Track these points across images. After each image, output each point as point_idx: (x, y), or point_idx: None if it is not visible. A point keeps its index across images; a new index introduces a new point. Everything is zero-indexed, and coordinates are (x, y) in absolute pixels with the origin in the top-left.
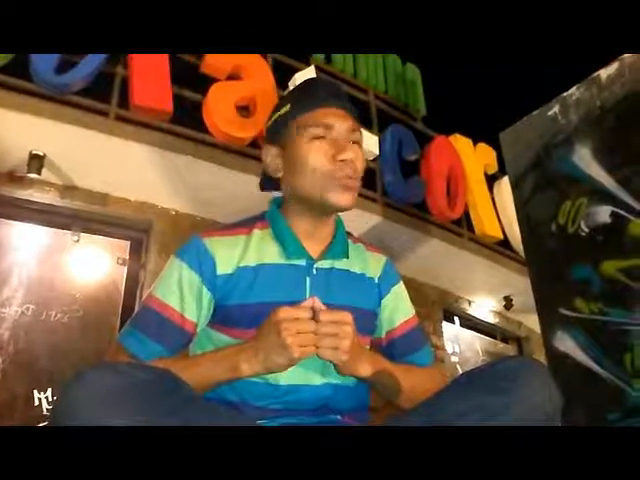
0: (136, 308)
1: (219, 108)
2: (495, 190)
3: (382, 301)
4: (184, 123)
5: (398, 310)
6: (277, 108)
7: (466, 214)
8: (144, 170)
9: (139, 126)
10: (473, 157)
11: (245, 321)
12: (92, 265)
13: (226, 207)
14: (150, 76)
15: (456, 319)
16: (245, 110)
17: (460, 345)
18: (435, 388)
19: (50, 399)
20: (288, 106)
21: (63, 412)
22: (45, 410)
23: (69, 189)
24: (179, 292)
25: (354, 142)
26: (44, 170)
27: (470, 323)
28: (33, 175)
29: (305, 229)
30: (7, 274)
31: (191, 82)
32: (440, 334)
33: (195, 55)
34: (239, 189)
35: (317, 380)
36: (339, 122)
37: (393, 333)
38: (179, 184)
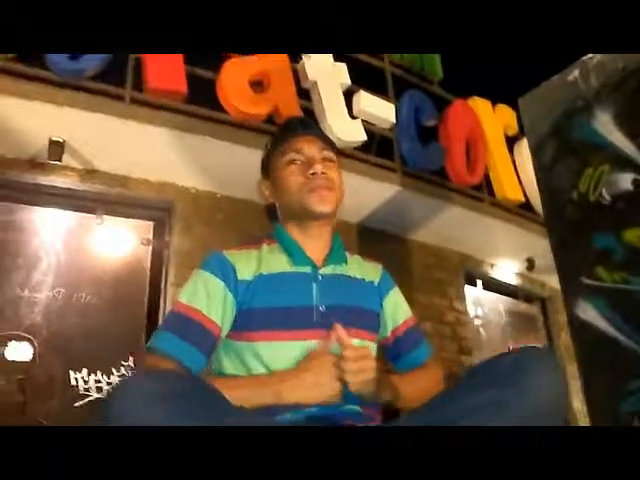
0: (162, 286)
1: (233, 85)
2: (515, 152)
3: (383, 302)
4: (199, 102)
5: (399, 310)
6: (264, 150)
7: (486, 178)
8: (162, 151)
9: (154, 108)
10: (492, 119)
11: (260, 324)
12: (117, 246)
13: (244, 184)
14: (163, 57)
15: (479, 282)
16: (259, 85)
17: (483, 308)
18: (438, 385)
19: (86, 378)
20: (270, 144)
21: (109, 420)
22: (82, 389)
23: (90, 173)
24: (205, 297)
25: (326, 159)
26: (65, 155)
27: (493, 286)
28: (54, 161)
29: (305, 241)
30: (35, 259)
31: (204, 60)
32: (463, 298)
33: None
34: (256, 165)
35: None
36: (307, 145)
37: (397, 331)
38: (197, 163)
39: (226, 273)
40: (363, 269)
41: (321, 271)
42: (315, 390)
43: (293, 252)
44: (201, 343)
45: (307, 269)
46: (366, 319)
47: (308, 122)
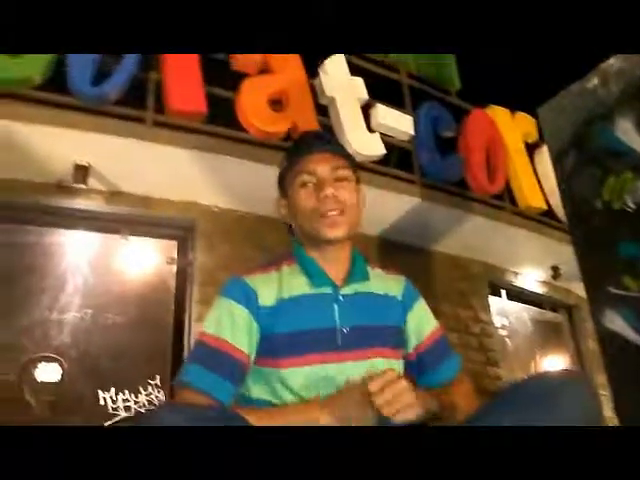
0: (187, 304)
1: (252, 104)
2: (536, 159)
3: (407, 317)
4: (219, 122)
5: (423, 324)
6: (280, 165)
7: (507, 186)
8: (184, 171)
9: (175, 129)
10: (512, 128)
11: (284, 350)
12: (142, 266)
13: (265, 201)
14: (183, 78)
15: (503, 292)
16: (278, 104)
17: (508, 318)
18: (471, 402)
19: (114, 398)
20: (285, 162)
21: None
22: (110, 409)
23: (114, 195)
24: (230, 326)
25: (340, 179)
26: (89, 179)
27: (518, 295)
28: (79, 185)
29: (324, 261)
30: (63, 281)
31: (222, 79)
32: (487, 309)
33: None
34: (275, 182)
35: None
36: (320, 166)
37: (420, 347)
38: (218, 182)
39: (248, 299)
40: (386, 283)
41: (342, 291)
42: (353, 418)
43: (313, 273)
44: (231, 374)
45: (328, 290)
46: (390, 336)
47: (323, 137)
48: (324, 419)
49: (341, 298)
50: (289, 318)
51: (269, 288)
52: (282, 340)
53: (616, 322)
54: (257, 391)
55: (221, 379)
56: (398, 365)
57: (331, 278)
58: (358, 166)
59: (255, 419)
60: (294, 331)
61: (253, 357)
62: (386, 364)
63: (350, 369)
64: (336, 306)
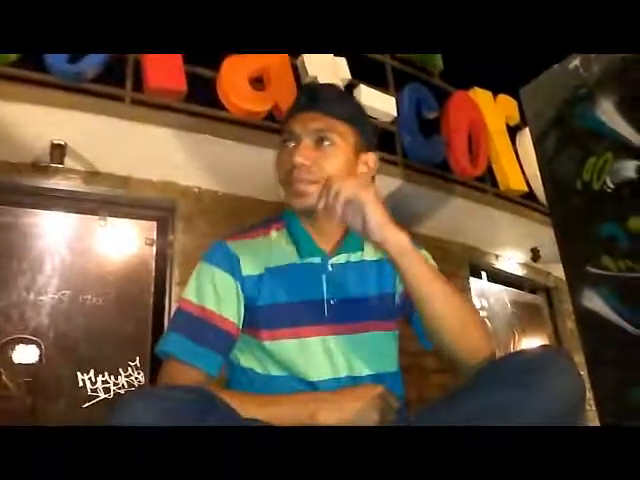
0: (167, 286)
1: (233, 83)
2: (518, 141)
3: (398, 277)
4: (199, 101)
5: None
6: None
7: (489, 169)
8: (163, 151)
9: (155, 108)
10: (494, 110)
11: (269, 322)
12: (122, 247)
13: (246, 181)
14: (161, 57)
15: (483, 274)
16: (259, 83)
17: (488, 300)
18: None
19: (93, 379)
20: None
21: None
22: (90, 390)
23: (92, 175)
24: (214, 294)
25: (322, 140)
26: (66, 158)
27: (498, 277)
28: (56, 164)
29: (314, 229)
30: (40, 262)
31: (203, 58)
32: (468, 290)
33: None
34: (258, 163)
35: (343, 373)
36: (300, 126)
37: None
38: (199, 162)
39: (232, 266)
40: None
41: (332, 261)
42: (354, 416)
43: (301, 242)
44: (219, 346)
45: (317, 259)
46: (383, 307)
47: (320, 93)
48: (323, 416)
49: (330, 268)
50: (274, 289)
51: (254, 256)
52: (266, 311)
53: (595, 301)
54: (244, 359)
55: (208, 351)
56: (392, 337)
57: (321, 247)
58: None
59: (241, 406)
60: (279, 303)
61: (241, 326)
62: (378, 337)
63: (338, 343)
64: (324, 277)
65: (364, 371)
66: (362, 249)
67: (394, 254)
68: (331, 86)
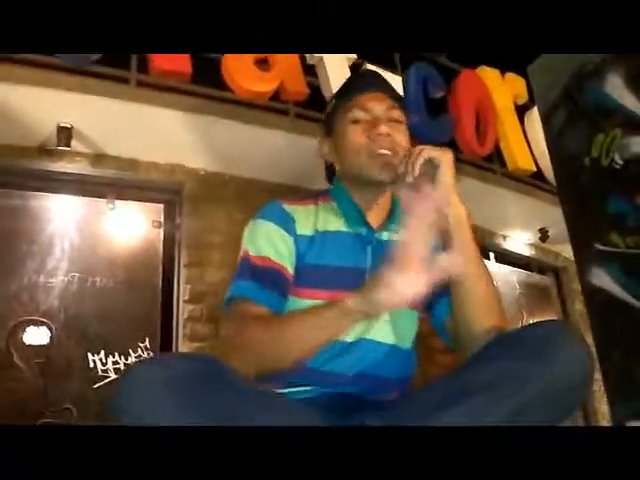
0: (175, 267)
1: (238, 63)
2: (526, 120)
3: None
4: (204, 82)
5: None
6: (327, 105)
7: (497, 148)
8: (169, 133)
9: (160, 90)
10: (502, 89)
11: (313, 281)
12: (129, 230)
13: (253, 162)
14: None
15: (491, 255)
16: (264, 63)
17: (496, 281)
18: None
19: (104, 360)
20: (334, 101)
21: (116, 407)
22: (100, 371)
23: (99, 158)
24: (270, 246)
25: (394, 120)
26: (73, 141)
27: (506, 258)
28: (63, 147)
29: (364, 203)
30: (49, 245)
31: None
32: None
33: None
34: (264, 144)
35: (378, 336)
36: (374, 103)
37: None
38: (205, 144)
39: (287, 224)
40: None
41: (377, 235)
42: (389, 293)
43: (350, 213)
44: (280, 288)
45: (363, 231)
46: None
47: (377, 77)
48: (356, 303)
49: (375, 241)
50: (321, 250)
51: (307, 218)
52: (311, 270)
53: (603, 278)
54: None
55: (276, 293)
56: (414, 316)
57: (368, 220)
58: None
59: (285, 323)
60: (323, 264)
61: (293, 276)
62: (402, 313)
63: None
64: (369, 248)
65: (383, 339)
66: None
67: (451, 220)
68: (376, 72)
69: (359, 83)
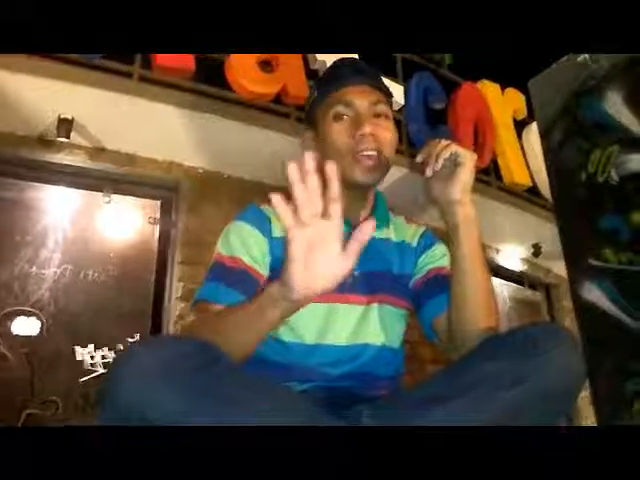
0: (169, 265)
1: (241, 64)
2: (524, 136)
3: (418, 261)
4: (207, 81)
5: (431, 261)
6: (309, 94)
7: (494, 162)
8: (170, 130)
9: (163, 86)
10: (501, 103)
11: None
12: (125, 225)
13: (252, 164)
14: None
15: None
16: (268, 65)
17: None
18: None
19: (92, 354)
20: (316, 92)
21: (110, 391)
22: (88, 365)
23: (98, 151)
24: (245, 248)
25: (379, 115)
26: (73, 133)
27: (498, 272)
28: (62, 139)
29: (345, 201)
30: (43, 236)
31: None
32: None
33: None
34: (263, 145)
35: (347, 339)
36: (358, 98)
37: (419, 280)
38: (204, 142)
39: (263, 225)
40: (404, 231)
41: None
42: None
43: None
44: (248, 290)
45: (345, 229)
46: (398, 285)
47: (363, 67)
48: (279, 290)
49: None
50: None
51: None
52: None
53: (594, 293)
54: None
55: (238, 292)
56: (402, 315)
57: (349, 219)
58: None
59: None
60: None
61: (266, 277)
62: (389, 311)
63: (352, 312)
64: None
65: (370, 340)
66: (388, 226)
67: (460, 218)
68: (363, 62)
69: (343, 74)
